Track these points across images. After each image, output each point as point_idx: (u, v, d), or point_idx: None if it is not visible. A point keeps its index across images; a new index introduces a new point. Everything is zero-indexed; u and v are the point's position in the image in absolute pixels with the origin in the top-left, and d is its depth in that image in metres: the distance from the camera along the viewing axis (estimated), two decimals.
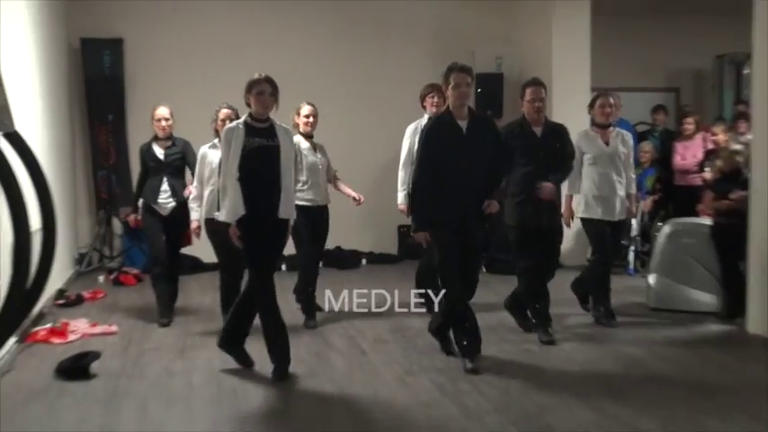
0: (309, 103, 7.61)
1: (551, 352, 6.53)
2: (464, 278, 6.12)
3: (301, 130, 7.53)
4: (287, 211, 6.00)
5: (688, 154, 10.27)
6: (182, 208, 7.53)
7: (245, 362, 6.14)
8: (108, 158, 11.02)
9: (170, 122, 7.67)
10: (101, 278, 10.01)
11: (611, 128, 7.53)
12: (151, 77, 10.90)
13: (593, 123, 7.62)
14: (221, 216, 5.97)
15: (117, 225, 10.95)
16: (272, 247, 6.03)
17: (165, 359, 6.52)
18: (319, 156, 7.65)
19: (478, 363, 6.03)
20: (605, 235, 7.41)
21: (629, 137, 7.67)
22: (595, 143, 7.43)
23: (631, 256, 10.06)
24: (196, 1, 11.16)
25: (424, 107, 7.82)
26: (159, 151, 7.71)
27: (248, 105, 6.00)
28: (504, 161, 6.43)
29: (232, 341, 6.13)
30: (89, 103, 11.08)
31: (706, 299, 7.91)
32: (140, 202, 7.81)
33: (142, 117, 10.86)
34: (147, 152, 7.74)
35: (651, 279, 8.06)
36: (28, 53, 8.24)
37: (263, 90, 5.90)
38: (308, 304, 7.64)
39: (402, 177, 7.81)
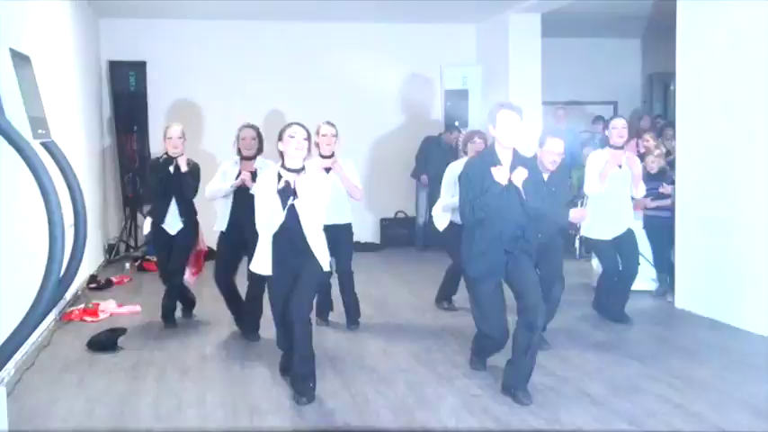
0: (328, 123, 6.44)
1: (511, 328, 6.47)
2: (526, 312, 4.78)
3: (321, 152, 6.33)
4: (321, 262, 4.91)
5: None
6: (188, 229, 6.74)
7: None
8: (133, 163, 10.98)
9: (182, 141, 6.71)
10: (127, 265, 9.97)
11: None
12: (170, 95, 10.90)
13: (609, 145, 6.63)
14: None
15: (141, 220, 10.89)
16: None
17: (182, 334, 6.49)
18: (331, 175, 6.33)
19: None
20: None
21: None
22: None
23: (577, 243, 10.05)
24: (210, 29, 11.11)
25: (465, 153, 6.66)
26: (171, 169, 6.67)
27: (280, 155, 4.90)
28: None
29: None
30: (116, 117, 11.02)
31: (641, 279, 7.92)
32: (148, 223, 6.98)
33: (162, 128, 10.84)
34: (158, 168, 6.73)
35: (594, 263, 8.05)
36: (66, 73, 8.23)
37: (295, 134, 4.80)
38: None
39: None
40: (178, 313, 6.94)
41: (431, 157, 10.74)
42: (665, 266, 7.65)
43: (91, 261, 9.07)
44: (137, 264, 9.89)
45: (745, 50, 6.39)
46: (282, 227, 4.76)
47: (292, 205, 4.75)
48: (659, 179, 7.78)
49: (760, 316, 6.25)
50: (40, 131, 2.51)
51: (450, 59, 12.02)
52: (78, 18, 9.18)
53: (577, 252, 10.02)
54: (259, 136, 6.30)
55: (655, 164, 7.90)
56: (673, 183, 7.58)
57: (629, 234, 6.72)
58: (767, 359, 5.57)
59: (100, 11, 10.50)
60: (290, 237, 4.79)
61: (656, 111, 13.23)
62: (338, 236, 6.18)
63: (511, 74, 10.95)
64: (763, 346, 5.92)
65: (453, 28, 11.94)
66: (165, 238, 6.74)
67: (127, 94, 10.83)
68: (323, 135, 6.34)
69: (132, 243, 10.85)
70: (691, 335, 6.33)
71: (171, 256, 6.78)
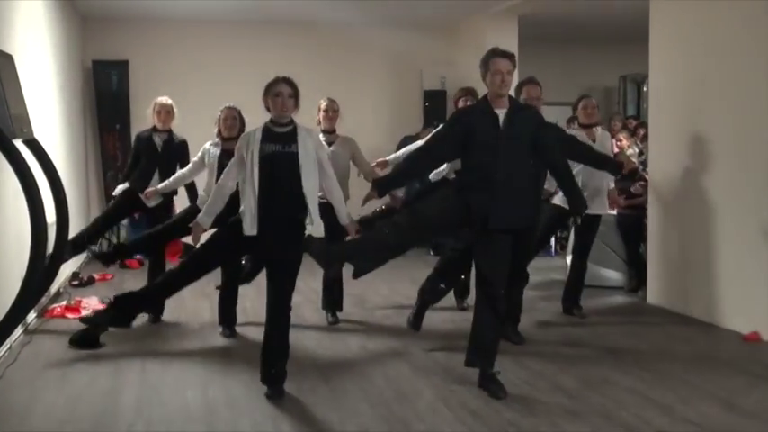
0: (329, 99, 6.51)
1: None
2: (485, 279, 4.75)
3: (322, 126, 6.40)
4: (311, 223, 4.79)
5: None
6: (168, 205, 6.79)
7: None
8: (115, 161, 10.94)
9: (171, 114, 6.77)
10: None
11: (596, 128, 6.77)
12: (151, 93, 10.54)
13: (579, 124, 6.84)
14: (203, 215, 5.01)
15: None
16: (276, 256, 4.78)
17: (163, 330, 6.47)
18: (334, 150, 6.31)
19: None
20: None
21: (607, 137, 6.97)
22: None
23: (552, 240, 10.12)
24: (190, 29, 11.14)
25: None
26: (158, 142, 6.76)
27: (268, 110, 4.83)
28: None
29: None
30: (99, 115, 10.98)
31: (614, 276, 8.00)
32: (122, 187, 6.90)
33: (144, 126, 10.81)
34: (145, 140, 6.79)
35: (569, 260, 8.10)
36: (49, 72, 8.20)
37: (281, 91, 4.72)
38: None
39: None
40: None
41: None
42: (636, 263, 7.72)
43: (73, 258, 9.01)
44: (119, 261, 9.82)
45: (716, 52, 6.45)
46: (276, 178, 4.68)
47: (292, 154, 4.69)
48: (632, 178, 7.84)
49: (728, 311, 6.33)
50: (22, 130, 2.49)
51: (430, 61, 12.07)
52: (62, 18, 9.15)
53: (552, 248, 10.12)
54: (240, 117, 6.22)
55: (629, 162, 7.96)
56: (644, 181, 7.65)
57: (596, 220, 6.74)
58: (735, 353, 5.63)
59: (83, 11, 10.49)
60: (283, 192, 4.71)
61: (629, 111, 13.30)
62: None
63: None
64: (731, 341, 5.99)
65: (433, 31, 11.99)
66: (135, 203, 6.74)
67: (109, 93, 10.80)
68: (323, 110, 6.40)
69: (114, 240, 10.78)
70: (661, 329, 6.39)
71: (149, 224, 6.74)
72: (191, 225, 5.08)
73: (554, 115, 11.78)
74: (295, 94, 4.79)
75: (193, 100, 10.40)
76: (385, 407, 4.55)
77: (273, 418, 4.39)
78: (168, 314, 6.91)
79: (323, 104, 6.48)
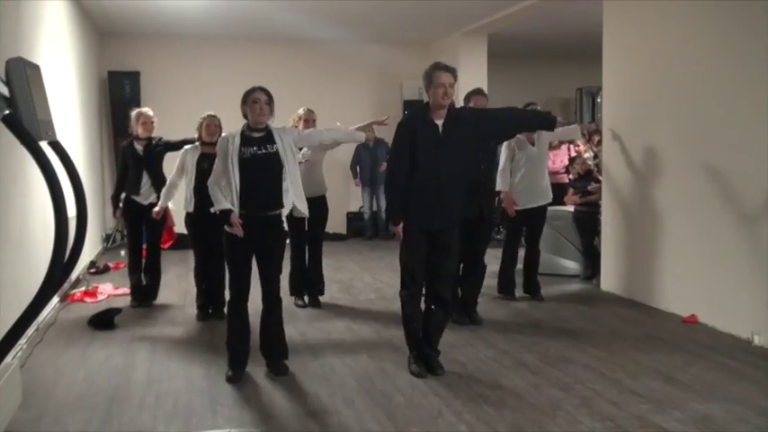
0: (308, 109, 6.48)
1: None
2: (433, 280, 4.69)
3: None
4: (302, 210, 4.74)
5: (557, 160, 10.35)
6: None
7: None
8: None
9: (154, 124, 6.64)
10: (122, 252, 9.81)
11: None
12: (161, 101, 10.73)
13: None
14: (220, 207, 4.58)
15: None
16: (261, 253, 4.63)
17: (170, 313, 6.45)
18: (312, 156, 6.34)
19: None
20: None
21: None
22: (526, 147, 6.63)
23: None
24: (195, 44, 11.12)
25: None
26: (139, 148, 6.60)
27: (245, 117, 4.69)
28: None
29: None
30: (113, 121, 10.88)
31: (571, 265, 8.04)
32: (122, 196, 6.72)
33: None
34: (129, 150, 6.64)
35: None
36: (70, 81, 8.16)
37: (258, 99, 4.61)
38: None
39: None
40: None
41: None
42: (591, 254, 7.76)
43: (91, 249, 8.98)
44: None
45: (662, 67, 6.50)
46: (258, 176, 4.52)
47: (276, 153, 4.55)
48: (587, 179, 7.91)
49: (670, 296, 6.39)
50: (47, 132, 2.48)
51: (409, 74, 12.09)
52: (82, 34, 9.11)
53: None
54: (220, 125, 6.15)
55: (584, 165, 8.03)
56: (598, 182, 7.70)
57: (542, 212, 6.77)
58: (675, 334, 5.68)
59: (101, 28, 10.44)
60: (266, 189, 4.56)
61: (585, 120, 13.36)
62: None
63: (460, 87, 10.95)
64: (672, 322, 6.04)
65: (411, 47, 12.02)
66: (136, 209, 6.59)
67: (123, 100, 10.69)
68: (304, 120, 6.34)
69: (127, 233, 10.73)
70: (613, 313, 6.42)
71: (146, 228, 6.64)
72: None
73: None
74: (270, 102, 4.66)
75: (196, 107, 10.28)
76: (369, 381, 4.56)
77: (268, 390, 4.40)
78: (175, 299, 6.90)
79: (301, 113, 6.44)
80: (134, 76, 10.77)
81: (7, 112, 2.25)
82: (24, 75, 2.30)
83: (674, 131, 6.34)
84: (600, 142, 8.38)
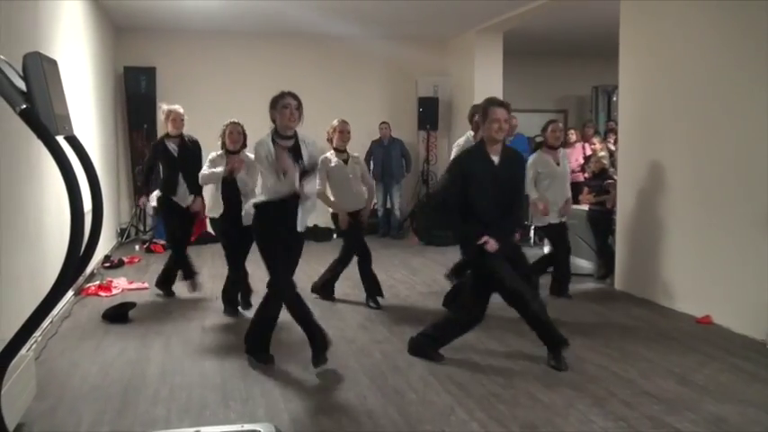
0: (342, 120, 6.47)
1: None
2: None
3: (334, 144, 6.40)
4: (303, 225, 4.72)
5: (571, 158, 10.32)
6: (199, 200, 6.56)
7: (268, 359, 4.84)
8: (142, 157, 10.85)
9: (183, 121, 6.62)
10: (137, 247, 9.93)
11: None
12: (176, 96, 10.70)
13: (547, 146, 6.78)
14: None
15: (149, 207, 10.85)
16: (288, 257, 4.71)
17: (184, 308, 6.48)
18: (350, 167, 6.42)
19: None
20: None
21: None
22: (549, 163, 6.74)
23: (532, 232, 10.13)
24: (210, 39, 11.15)
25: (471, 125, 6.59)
26: (172, 147, 6.59)
27: (273, 122, 4.61)
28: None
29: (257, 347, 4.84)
30: (129, 116, 10.97)
31: (585, 264, 8.01)
32: (157, 192, 6.81)
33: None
34: (161, 149, 6.62)
35: (546, 249, 8.12)
36: (86, 77, 8.21)
37: (288, 104, 4.53)
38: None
39: None
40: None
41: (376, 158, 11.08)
42: (605, 253, 7.73)
43: (106, 243, 9.05)
44: (145, 246, 9.86)
45: (678, 66, 6.46)
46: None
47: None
48: (602, 177, 7.86)
49: (685, 297, 6.35)
50: (64, 127, 2.49)
51: (424, 71, 12.09)
52: (98, 29, 9.16)
53: (532, 240, 10.13)
54: (243, 132, 6.11)
55: (599, 164, 7.99)
56: (613, 180, 7.66)
57: (563, 226, 6.84)
58: (689, 334, 5.65)
59: (117, 23, 10.50)
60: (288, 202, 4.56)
61: (600, 119, 13.31)
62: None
63: (476, 85, 11.00)
64: (685, 323, 6.01)
65: (426, 44, 12.01)
66: (176, 209, 6.59)
67: (138, 95, 10.78)
68: (339, 131, 6.37)
69: (141, 228, 10.79)
70: (626, 312, 6.40)
71: (183, 225, 6.66)
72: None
73: (534, 121, 11.87)
74: (299, 107, 4.59)
75: (211, 102, 10.47)
76: (381, 378, 4.57)
77: (282, 387, 4.41)
78: (189, 295, 6.93)
79: (336, 124, 6.42)
80: (150, 72, 10.82)
81: (24, 106, 2.26)
82: (41, 69, 2.31)
83: (691, 130, 6.29)
84: (616, 141, 8.35)
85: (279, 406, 4.08)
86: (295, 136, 4.64)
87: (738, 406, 4.08)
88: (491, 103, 4.73)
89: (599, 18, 9.71)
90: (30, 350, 4.62)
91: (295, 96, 4.60)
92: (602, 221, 7.73)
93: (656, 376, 4.60)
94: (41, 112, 2.29)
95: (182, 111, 6.67)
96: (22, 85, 2.31)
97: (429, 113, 11.78)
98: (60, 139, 2.38)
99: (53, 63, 2.46)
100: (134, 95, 10.80)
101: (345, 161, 6.41)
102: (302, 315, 4.71)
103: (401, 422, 3.83)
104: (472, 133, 6.15)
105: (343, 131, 6.40)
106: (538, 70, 13.19)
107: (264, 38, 11.29)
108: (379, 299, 6.59)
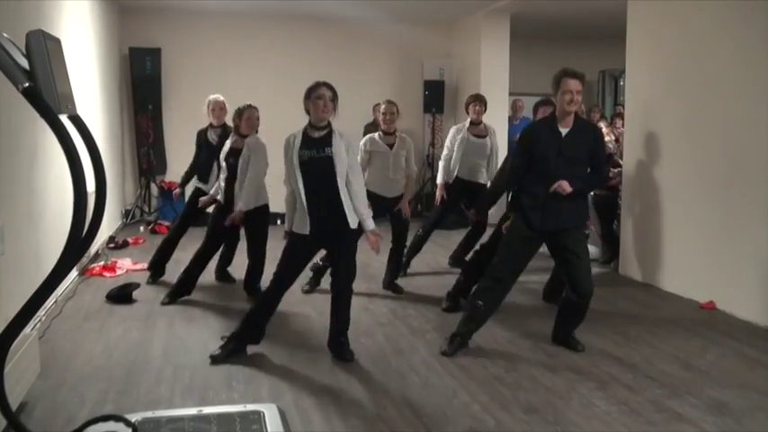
0: (388, 101, 6.34)
1: None
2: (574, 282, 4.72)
3: (382, 127, 6.29)
4: (354, 221, 4.48)
5: None
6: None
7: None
8: (148, 138, 10.91)
9: (224, 111, 6.51)
10: (141, 228, 9.94)
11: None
12: (181, 78, 10.86)
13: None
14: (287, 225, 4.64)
15: (154, 188, 10.87)
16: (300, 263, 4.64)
17: None
18: (395, 154, 6.23)
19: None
20: None
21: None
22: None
23: None
24: (216, 21, 11.07)
25: (467, 113, 6.97)
26: (213, 137, 6.52)
27: (307, 112, 4.45)
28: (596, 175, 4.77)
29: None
30: (134, 97, 10.91)
31: (590, 249, 7.95)
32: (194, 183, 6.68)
33: (174, 107, 10.85)
34: (204, 137, 6.59)
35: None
36: (91, 57, 8.19)
37: (323, 95, 4.38)
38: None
39: (441, 165, 7.08)
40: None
41: None
42: (609, 238, 7.71)
43: (110, 224, 9.06)
44: (150, 227, 9.87)
45: (687, 51, 6.42)
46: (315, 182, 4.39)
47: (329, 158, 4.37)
48: (607, 162, 7.82)
49: (689, 282, 6.34)
50: (67, 106, 2.49)
51: (430, 53, 12.02)
52: (103, 9, 9.13)
53: None
54: (259, 119, 5.94)
55: (605, 148, 7.96)
56: (619, 166, 7.63)
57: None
58: (693, 319, 5.66)
59: (122, 3, 10.43)
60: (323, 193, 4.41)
61: (607, 104, 13.25)
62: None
63: (482, 68, 10.95)
64: (690, 308, 6.01)
65: (433, 26, 11.93)
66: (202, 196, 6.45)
67: (143, 77, 10.71)
68: (383, 113, 6.26)
69: (146, 209, 10.80)
70: (630, 297, 6.40)
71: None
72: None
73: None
74: (335, 98, 4.43)
75: (216, 84, 10.39)
76: (385, 361, 4.58)
77: (285, 368, 4.42)
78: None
79: (382, 107, 6.34)
80: (155, 53, 10.75)
81: (27, 84, 2.25)
82: (44, 47, 2.30)
83: (697, 116, 6.26)
84: (622, 125, 8.31)
85: (282, 387, 4.09)
86: (328, 127, 4.46)
87: (740, 391, 4.08)
88: (564, 73, 4.54)
89: (606, 1, 9.64)
90: (33, 329, 4.64)
91: (330, 87, 4.45)
92: (606, 206, 7.71)
93: (659, 361, 4.61)
94: (44, 91, 2.28)
95: (221, 99, 6.56)
96: (25, 63, 2.30)
97: (435, 96, 11.72)
98: (64, 119, 2.38)
99: (56, 41, 2.45)
100: (139, 77, 10.74)
101: (391, 145, 6.25)
102: (262, 307, 4.60)
103: (403, 405, 3.85)
104: (469, 121, 6.80)
105: (385, 113, 6.26)
106: (545, 53, 13.08)
107: (269, 19, 11.23)
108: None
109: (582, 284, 4.69)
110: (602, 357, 4.67)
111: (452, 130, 7.12)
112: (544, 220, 4.61)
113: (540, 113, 5.78)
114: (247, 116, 5.82)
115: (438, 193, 7.10)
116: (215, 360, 4.46)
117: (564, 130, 4.56)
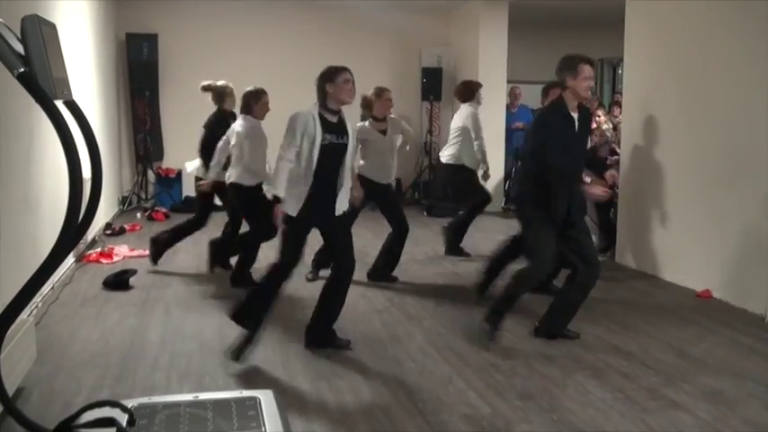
0: (385, 88, 6.29)
1: (473, 276, 6.47)
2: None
3: (374, 112, 6.22)
4: (342, 208, 4.45)
5: None
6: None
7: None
8: (145, 125, 10.89)
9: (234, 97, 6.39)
10: (138, 215, 9.94)
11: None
12: (178, 64, 10.83)
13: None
14: (273, 190, 4.31)
15: (151, 175, 10.86)
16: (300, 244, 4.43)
17: (185, 277, 6.49)
18: (389, 139, 6.23)
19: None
20: None
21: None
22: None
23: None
24: (213, 6, 11.04)
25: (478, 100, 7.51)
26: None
27: (323, 93, 4.32)
28: None
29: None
30: (131, 83, 10.90)
31: None
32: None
33: (171, 93, 10.81)
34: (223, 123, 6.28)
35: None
36: (87, 43, 8.15)
37: (349, 78, 4.33)
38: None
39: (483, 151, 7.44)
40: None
41: None
42: (606, 227, 7.71)
43: (107, 210, 9.05)
44: (147, 214, 9.87)
45: (686, 39, 6.40)
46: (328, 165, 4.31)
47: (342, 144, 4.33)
48: (603, 149, 7.82)
49: (685, 271, 6.36)
50: (63, 92, 2.48)
51: (427, 41, 11.99)
52: None
53: None
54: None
55: (602, 137, 7.96)
56: (615, 153, 7.62)
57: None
58: (689, 308, 5.67)
59: None
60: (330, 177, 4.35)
61: (605, 92, 13.23)
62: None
63: (480, 55, 10.93)
64: (686, 297, 6.03)
65: (431, 13, 11.90)
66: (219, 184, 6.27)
67: (140, 62, 10.69)
68: (387, 99, 6.22)
69: (143, 195, 10.79)
70: (627, 286, 6.42)
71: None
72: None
73: (538, 93, 11.78)
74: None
75: (213, 70, 10.36)
76: (381, 348, 4.60)
77: (282, 354, 4.44)
78: (189, 262, 6.95)
79: (386, 94, 6.24)
80: (152, 39, 10.71)
81: (22, 69, 2.24)
82: (39, 32, 2.29)
83: (695, 105, 6.25)
84: (620, 113, 8.31)
85: (278, 373, 4.10)
86: (340, 112, 4.41)
87: (735, 379, 4.10)
88: (581, 59, 4.47)
89: None
90: (30, 315, 4.65)
91: (351, 72, 4.40)
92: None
93: (655, 349, 4.63)
94: (39, 76, 2.28)
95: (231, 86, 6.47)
96: (20, 48, 2.29)
97: (432, 84, 11.71)
98: (59, 104, 2.37)
99: (52, 26, 2.44)
100: (136, 62, 10.72)
101: (384, 131, 6.21)
102: (264, 290, 4.44)
103: (399, 391, 3.86)
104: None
105: (390, 99, 6.26)
106: (543, 41, 13.03)
107: (267, 5, 11.18)
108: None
109: (595, 257, 4.77)
110: (597, 345, 4.68)
111: (477, 115, 7.42)
112: (571, 209, 4.59)
113: (550, 96, 5.72)
114: (264, 101, 5.90)
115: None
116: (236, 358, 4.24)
117: (575, 116, 4.57)
